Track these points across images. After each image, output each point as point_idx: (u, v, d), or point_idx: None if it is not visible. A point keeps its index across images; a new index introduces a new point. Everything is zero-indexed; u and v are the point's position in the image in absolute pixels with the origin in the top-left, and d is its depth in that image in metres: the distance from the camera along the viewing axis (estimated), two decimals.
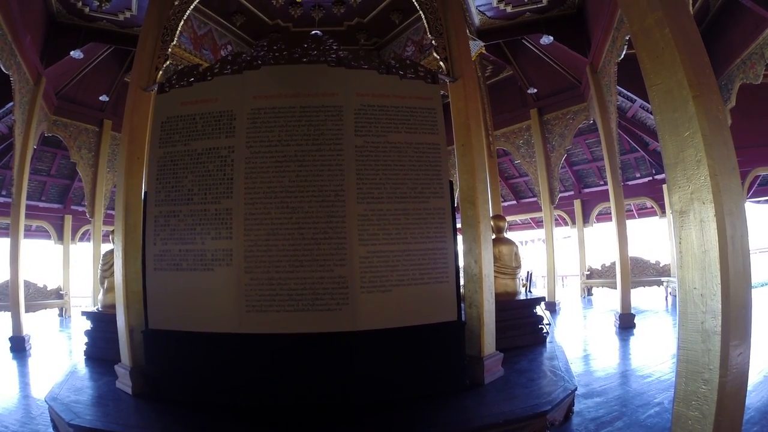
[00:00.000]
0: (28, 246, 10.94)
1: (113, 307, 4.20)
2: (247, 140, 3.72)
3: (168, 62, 4.44)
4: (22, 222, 7.44)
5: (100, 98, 9.82)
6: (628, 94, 9.73)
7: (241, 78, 3.90)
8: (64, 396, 3.67)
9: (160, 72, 4.33)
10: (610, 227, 8.42)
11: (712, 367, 2.14)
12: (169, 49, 4.43)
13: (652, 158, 11.86)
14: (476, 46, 7.51)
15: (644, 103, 9.80)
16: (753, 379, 4.38)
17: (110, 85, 9.78)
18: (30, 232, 12.71)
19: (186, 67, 4.14)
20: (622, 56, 6.56)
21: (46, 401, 3.65)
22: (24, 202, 7.47)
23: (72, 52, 7.24)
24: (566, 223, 14.37)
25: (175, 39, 4.48)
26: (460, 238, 4.00)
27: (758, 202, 12.57)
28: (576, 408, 3.84)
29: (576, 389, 3.82)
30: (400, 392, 3.57)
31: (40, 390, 4.55)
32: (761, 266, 16.91)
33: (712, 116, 2.24)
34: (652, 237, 15.02)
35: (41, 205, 12.28)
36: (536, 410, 3.22)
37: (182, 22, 4.53)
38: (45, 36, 7.26)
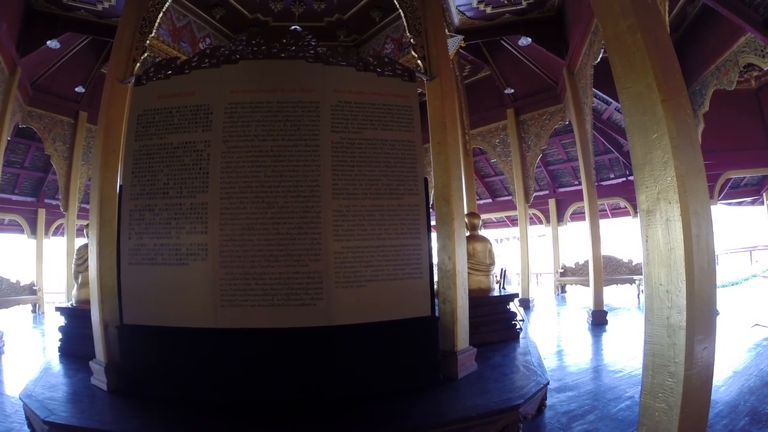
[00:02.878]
0: (0, 240, 10.75)
1: (88, 302, 4.16)
2: (224, 135, 3.72)
3: (146, 54, 4.41)
4: None
5: (76, 89, 9.63)
6: (604, 96, 9.89)
7: (219, 72, 3.89)
8: (38, 393, 3.62)
9: (138, 64, 4.30)
10: (583, 226, 8.53)
11: (678, 361, 2.18)
12: (147, 41, 4.41)
13: (626, 159, 12.04)
14: (455, 42, 7.55)
15: (619, 105, 9.93)
16: (722, 374, 4.51)
17: (86, 76, 9.57)
18: (2, 226, 12.48)
19: (164, 60, 4.10)
20: (599, 59, 6.67)
21: (20, 399, 3.60)
22: None
23: (48, 42, 7.10)
24: (541, 222, 14.54)
25: (154, 31, 4.45)
26: (434, 234, 4.05)
27: (729, 204, 12.85)
28: (549, 402, 3.91)
29: (548, 383, 3.90)
30: (375, 386, 3.60)
31: (14, 387, 4.45)
32: (732, 266, 17.36)
33: (680, 119, 2.28)
34: (625, 236, 15.27)
35: (14, 198, 12.00)
36: (509, 404, 3.28)
37: (161, 14, 4.50)
38: (21, 24, 7.09)
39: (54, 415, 3.15)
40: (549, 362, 5.20)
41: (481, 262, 5.57)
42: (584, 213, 8.34)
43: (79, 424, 3.08)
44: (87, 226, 4.39)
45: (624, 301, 10.89)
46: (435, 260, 4.02)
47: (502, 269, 7.24)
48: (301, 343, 3.56)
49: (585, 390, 4.32)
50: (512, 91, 10.40)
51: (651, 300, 2.36)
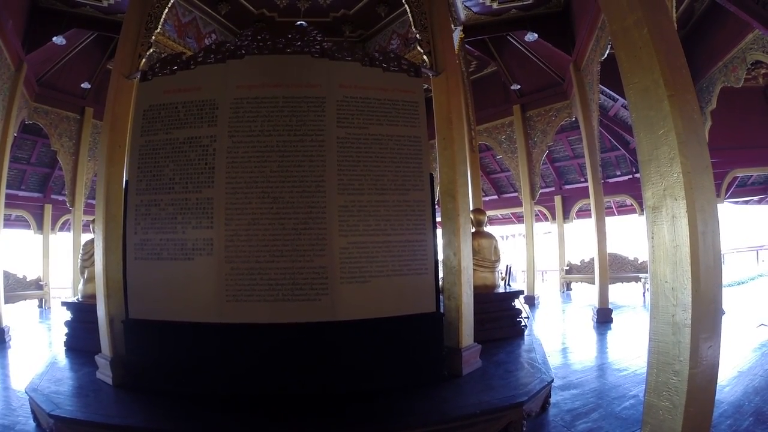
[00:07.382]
0: (7, 236, 10.80)
1: (94, 297, 4.18)
2: (229, 130, 3.71)
3: (151, 50, 4.40)
4: (2, 211, 7.31)
5: (82, 85, 9.70)
6: (611, 92, 9.82)
7: (225, 67, 3.89)
8: (44, 387, 3.64)
9: (143, 60, 4.29)
10: (589, 223, 8.52)
11: (683, 359, 2.16)
12: (153, 37, 4.40)
13: (633, 156, 11.96)
14: (456, 34, 7.50)
15: (626, 101, 9.88)
16: (727, 374, 4.48)
17: (92, 72, 9.63)
18: (9, 222, 12.49)
19: (169, 55, 4.11)
20: (606, 56, 6.63)
21: (26, 392, 3.63)
22: (3, 190, 7.34)
23: (54, 38, 7.13)
24: (547, 219, 14.47)
25: (159, 26, 4.44)
26: (439, 231, 4.04)
27: (736, 202, 12.77)
28: (553, 399, 3.89)
29: (553, 381, 3.88)
30: (379, 382, 3.61)
31: (20, 382, 4.48)
32: (738, 265, 17.29)
33: (687, 115, 2.26)
34: (631, 234, 15.21)
35: (21, 194, 12.04)
36: (513, 401, 3.28)
37: (167, 10, 4.48)
38: (27, 21, 7.11)
39: (59, 408, 3.17)
40: (553, 360, 5.19)
41: (486, 258, 5.57)
42: (590, 210, 8.31)
43: (84, 418, 3.09)
44: (93, 221, 4.40)
45: (629, 300, 10.86)
46: (440, 256, 4.01)
47: (507, 266, 7.23)
48: (305, 339, 3.57)
49: (589, 388, 4.31)
50: (518, 87, 10.39)
51: (656, 298, 2.34)
